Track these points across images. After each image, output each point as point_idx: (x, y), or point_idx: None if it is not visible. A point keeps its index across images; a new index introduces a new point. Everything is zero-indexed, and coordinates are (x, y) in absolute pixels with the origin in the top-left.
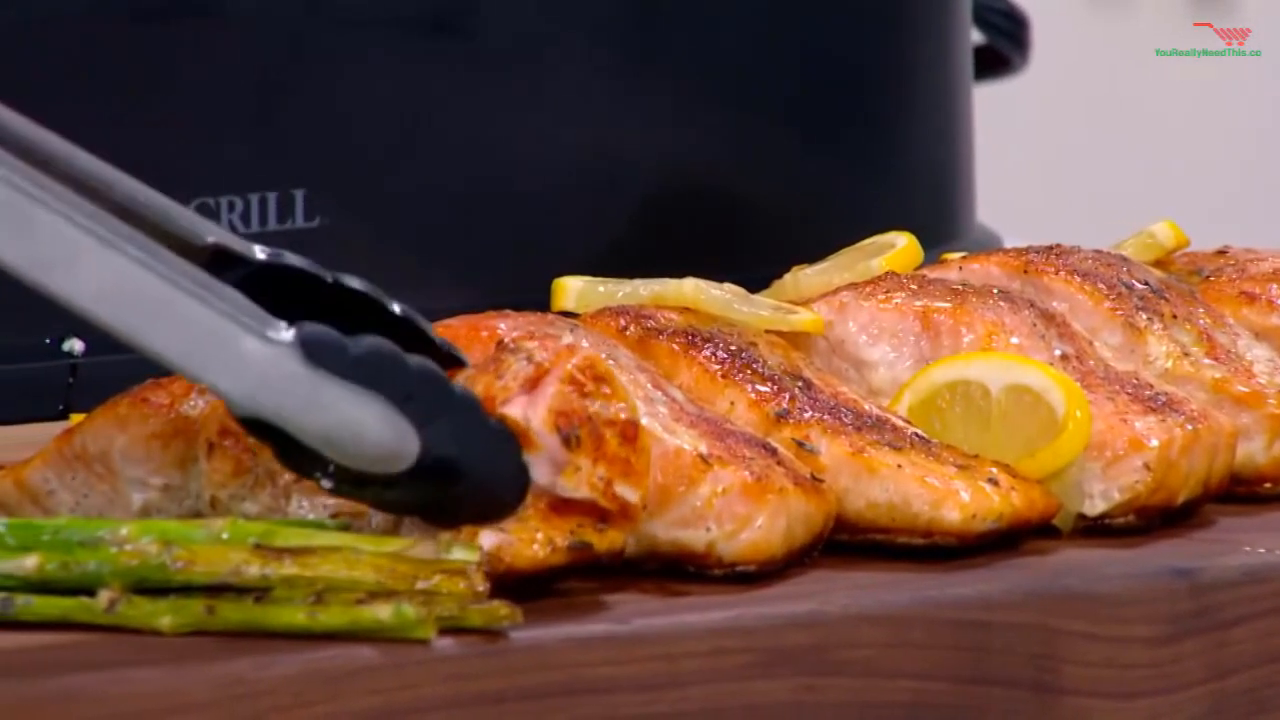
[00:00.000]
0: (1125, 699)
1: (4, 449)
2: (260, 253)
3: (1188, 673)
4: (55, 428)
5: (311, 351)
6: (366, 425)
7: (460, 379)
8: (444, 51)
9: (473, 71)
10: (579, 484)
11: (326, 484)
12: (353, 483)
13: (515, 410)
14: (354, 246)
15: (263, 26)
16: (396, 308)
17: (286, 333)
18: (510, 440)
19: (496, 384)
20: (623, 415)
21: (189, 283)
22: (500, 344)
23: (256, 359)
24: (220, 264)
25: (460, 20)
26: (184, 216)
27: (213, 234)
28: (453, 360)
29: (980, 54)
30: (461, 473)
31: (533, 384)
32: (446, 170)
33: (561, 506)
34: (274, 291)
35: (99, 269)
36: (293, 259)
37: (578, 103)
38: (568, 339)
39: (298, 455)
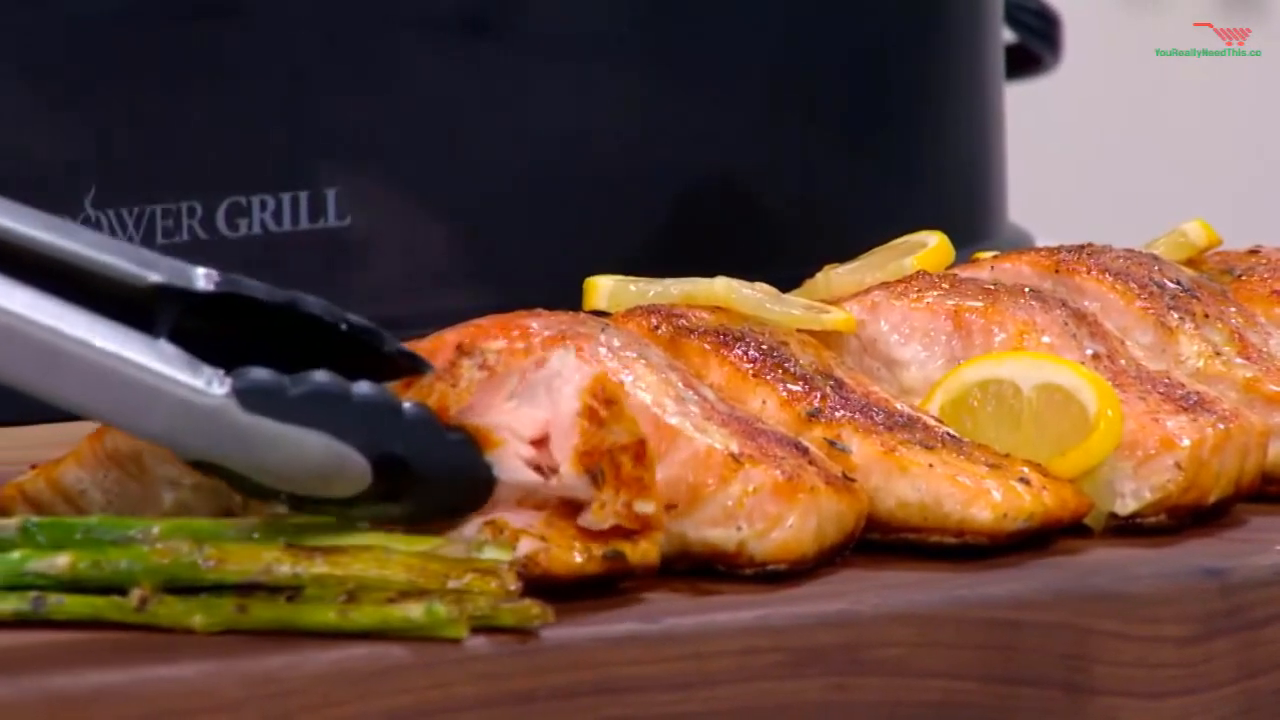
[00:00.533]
0: (1156, 699)
1: (36, 448)
2: (207, 282)
3: (1219, 672)
4: (87, 427)
5: (248, 401)
6: (313, 461)
7: (420, 386)
8: (476, 51)
9: (504, 71)
10: (605, 518)
11: (282, 508)
12: (311, 504)
13: (523, 449)
14: (385, 245)
15: (294, 25)
16: (348, 325)
17: (220, 387)
18: (469, 448)
19: (452, 392)
20: (633, 438)
21: (121, 350)
22: (460, 347)
23: (193, 414)
24: (164, 301)
25: (492, 19)
26: (127, 259)
27: (157, 272)
28: (413, 367)
29: (1012, 53)
30: (421, 483)
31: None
32: (478, 170)
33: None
34: (227, 319)
35: (22, 350)
36: (244, 286)
37: (609, 103)
38: (597, 335)
39: (251, 486)
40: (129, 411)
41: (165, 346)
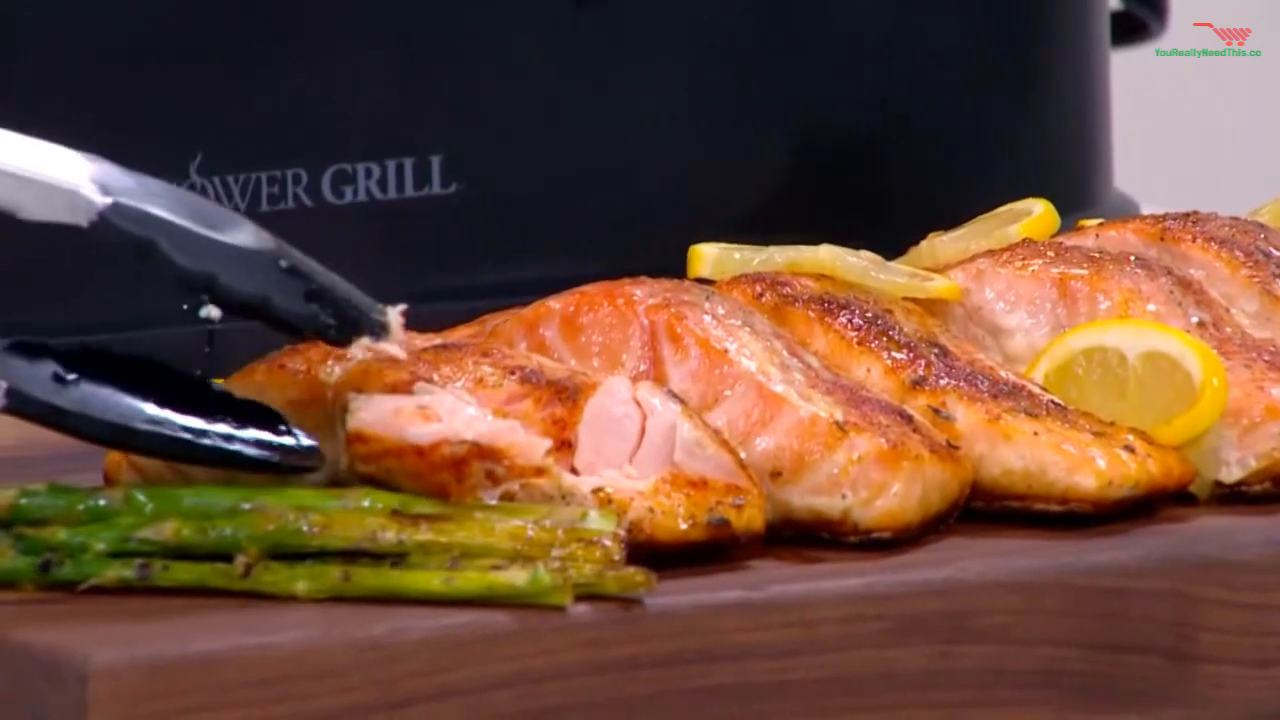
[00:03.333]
0: (1262, 666)
1: None
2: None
3: None
4: None
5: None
6: None
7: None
8: (581, 18)
9: (610, 38)
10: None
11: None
12: None
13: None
14: (490, 213)
15: None
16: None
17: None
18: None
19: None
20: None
21: None
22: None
23: None
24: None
25: None
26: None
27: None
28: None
29: (1118, 19)
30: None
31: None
32: (582, 138)
33: (697, 482)
34: None
35: None
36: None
37: (714, 70)
38: (701, 303)
39: None
40: None
41: None
